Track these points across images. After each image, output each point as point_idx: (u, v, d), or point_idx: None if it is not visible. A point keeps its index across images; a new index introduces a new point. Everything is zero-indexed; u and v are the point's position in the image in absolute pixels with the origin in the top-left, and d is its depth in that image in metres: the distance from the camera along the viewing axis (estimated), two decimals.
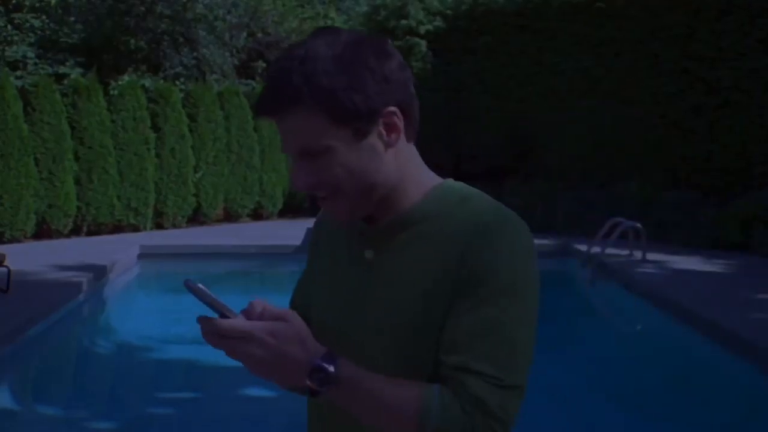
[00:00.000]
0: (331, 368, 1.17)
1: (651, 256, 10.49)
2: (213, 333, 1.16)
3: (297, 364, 1.17)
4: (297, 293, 1.51)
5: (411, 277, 1.26)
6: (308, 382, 1.17)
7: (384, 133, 1.25)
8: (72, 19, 16.65)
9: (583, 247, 11.11)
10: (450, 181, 1.34)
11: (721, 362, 6.71)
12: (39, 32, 16.08)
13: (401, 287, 1.26)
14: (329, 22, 20.07)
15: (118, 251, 11.06)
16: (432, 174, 1.35)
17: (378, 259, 1.31)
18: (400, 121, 1.25)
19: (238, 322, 1.16)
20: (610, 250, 10.49)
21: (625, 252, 10.76)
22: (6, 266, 8.03)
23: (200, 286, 1.16)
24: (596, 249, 10.49)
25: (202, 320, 1.17)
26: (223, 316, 1.17)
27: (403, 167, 1.29)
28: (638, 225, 10.38)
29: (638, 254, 10.59)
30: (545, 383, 5.96)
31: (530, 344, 1.23)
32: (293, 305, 1.51)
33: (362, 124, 1.22)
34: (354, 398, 1.20)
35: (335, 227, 1.41)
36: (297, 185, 1.26)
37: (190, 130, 14.60)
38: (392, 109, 1.24)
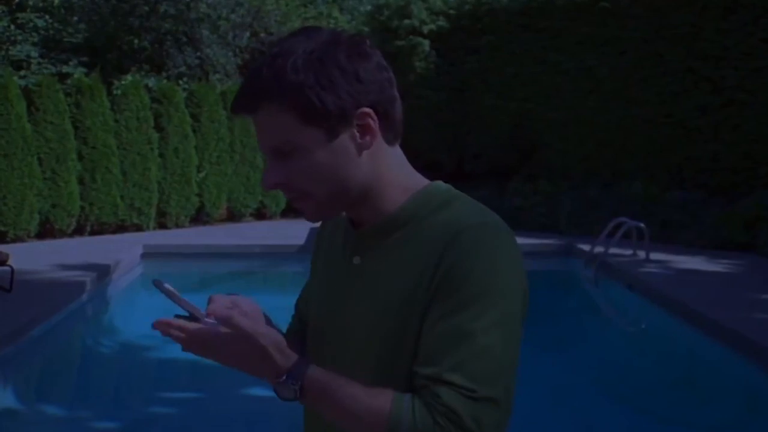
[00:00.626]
0: (304, 371, 1.18)
1: (655, 255, 10.45)
2: (196, 342, 1.19)
3: (273, 367, 1.18)
4: (301, 295, 1.52)
5: (396, 282, 1.23)
6: (277, 387, 1.19)
7: (357, 134, 1.21)
8: (75, 18, 16.66)
9: (586, 247, 11.08)
10: (437, 183, 1.31)
11: (725, 362, 6.69)
12: (42, 32, 16.09)
13: (386, 292, 1.24)
14: (332, 22, 20.03)
15: (122, 251, 11.06)
16: (418, 176, 1.31)
17: (365, 264, 1.28)
18: (375, 123, 1.21)
19: (217, 329, 1.18)
20: (613, 250, 10.47)
21: (629, 252, 10.74)
22: (9, 266, 8.03)
23: (168, 286, 1.18)
24: (600, 249, 10.46)
25: (181, 327, 1.20)
26: (191, 315, 1.18)
27: (381, 170, 1.25)
28: (641, 225, 10.35)
29: (642, 254, 10.56)
30: (549, 383, 5.96)
31: (509, 354, 1.17)
32: (297, 307, 1.52)
33: (333, 124, 1.19)
34: (324, 405, 1.19)
35: (334, 230, 1.40)
36: (265, 184, 1.24)
37: (193, 130, 14.60)
38: (366, 110, 1.20)
